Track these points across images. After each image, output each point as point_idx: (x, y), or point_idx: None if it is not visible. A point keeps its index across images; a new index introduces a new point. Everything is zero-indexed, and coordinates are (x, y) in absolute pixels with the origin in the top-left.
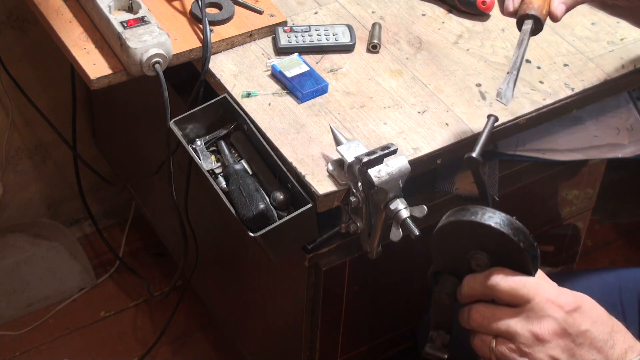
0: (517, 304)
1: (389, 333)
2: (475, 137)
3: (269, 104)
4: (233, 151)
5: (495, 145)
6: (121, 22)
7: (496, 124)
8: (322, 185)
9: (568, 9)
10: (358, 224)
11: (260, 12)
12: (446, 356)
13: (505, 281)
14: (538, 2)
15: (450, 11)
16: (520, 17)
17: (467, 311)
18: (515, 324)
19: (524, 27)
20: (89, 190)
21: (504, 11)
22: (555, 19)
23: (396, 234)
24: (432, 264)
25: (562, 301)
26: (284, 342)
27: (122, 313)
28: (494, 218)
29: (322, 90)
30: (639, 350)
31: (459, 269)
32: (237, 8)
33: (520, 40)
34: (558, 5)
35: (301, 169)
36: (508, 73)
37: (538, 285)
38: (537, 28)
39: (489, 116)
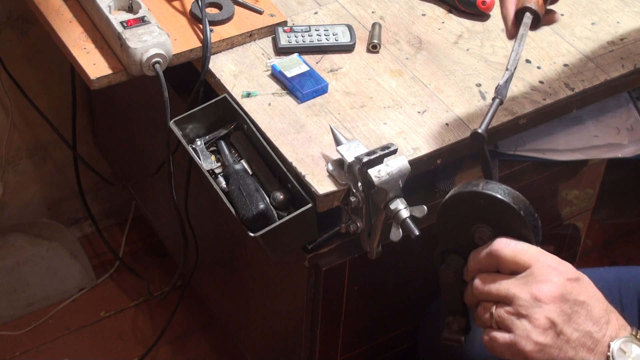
0: (519, 271)
1: (389, 333)
2: None
3: (269, 104)
4: (233, 151)
5: (495, 145)
6: (121, 22)
7: (496, 124)
8: (322, 185)
9: None
10: (358, 224)
11: (260, 12)
12: (463, 338)
13: (508, 246)
14: None
15: (450, 11)
16: (520, 10)
17: (471, 284)
18: (515, 287)
19: (524, 21)
20: (89, 190)
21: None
22: None
23: (396, 234)
24: (438, 244)
25: (563, 269)
26: (284, 342)
27: (122, 313)
28: (494, 188)
29: (322, 90)
30: (630, 330)
31: (463, 246)
32: (237, 8)
33: (520, 35)
34: None
35: (301, 169)
36: (507, 70)
37: (539, 253)
38: (535, 22)
39: (493, 98)
